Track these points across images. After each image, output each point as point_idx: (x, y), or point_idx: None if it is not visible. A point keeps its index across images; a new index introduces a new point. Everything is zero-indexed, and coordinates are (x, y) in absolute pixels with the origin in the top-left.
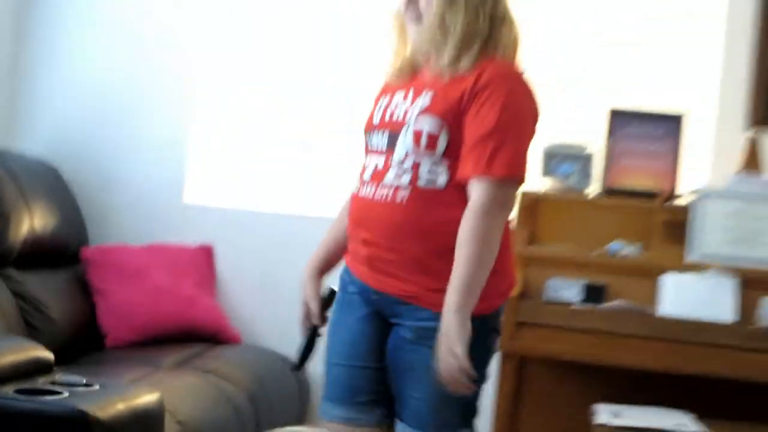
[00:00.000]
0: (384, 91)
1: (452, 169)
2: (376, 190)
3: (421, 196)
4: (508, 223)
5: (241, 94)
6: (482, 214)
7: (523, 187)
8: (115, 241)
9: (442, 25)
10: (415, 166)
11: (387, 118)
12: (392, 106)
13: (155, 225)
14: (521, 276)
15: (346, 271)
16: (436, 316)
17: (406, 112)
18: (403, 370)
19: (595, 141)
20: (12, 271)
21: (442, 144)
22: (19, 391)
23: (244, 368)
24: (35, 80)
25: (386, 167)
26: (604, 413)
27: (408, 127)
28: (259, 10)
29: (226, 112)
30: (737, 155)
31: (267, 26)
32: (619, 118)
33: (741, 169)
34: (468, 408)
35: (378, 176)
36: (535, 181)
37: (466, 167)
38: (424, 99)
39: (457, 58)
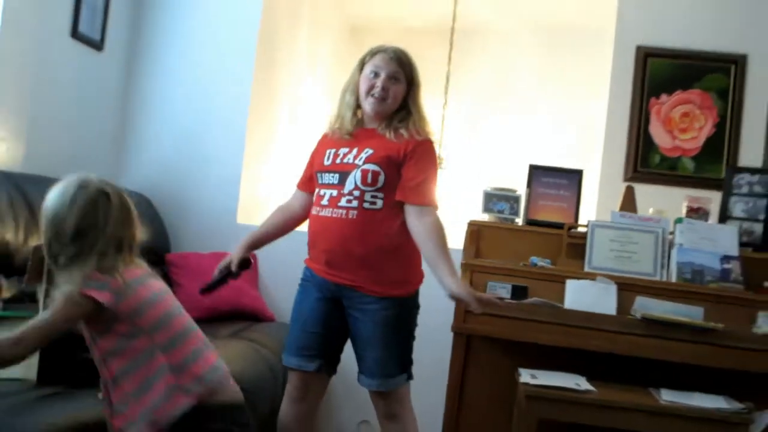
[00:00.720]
0: (329, 145)
1: (386, 197)
2: (333, 210)
3: (364, 213)
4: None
5: (278, 147)
6: (439, 225)
7: (470, 218)
8: (189, 250)
9: (404, 109)
10: (361, 195)
11: (338, 162)
12: (340, 155)
13: (217, 238)
14: (470, 279)
15: (308, 270)
16: (377, 300)
17: (355, 159)
18: (359, 339)
19: (521, 187)
20: None
21: (380, 181)
22: None
23: (276, 338)
24: (134, 134)
25: (339, 195)
26: (525, 375)
27: (357, 168)
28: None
29: (268, 158)
30: (617, 199)
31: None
32: (537, 171)
33: (620, 209)
34: (404, 360)
35: (333, 202)
36: (479, 214)
37: (412, 197)
38: (368, 152)
39: (398, 129)
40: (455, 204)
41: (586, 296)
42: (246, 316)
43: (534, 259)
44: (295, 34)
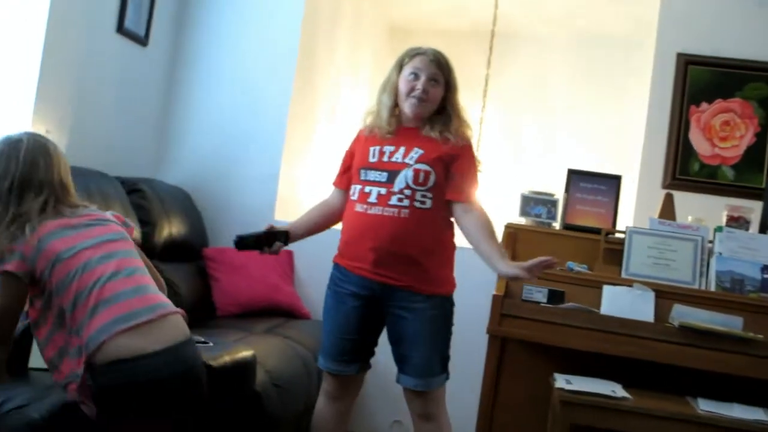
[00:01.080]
0: (372, 142)
1: (435, 198)
2: (384, 209)
3: (415, 212)
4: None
5: (317, 146)
6: (487, 216)
7: (507, 221)
8: (227, 245)
9: (443, 111)
10: (413, 194)
11: (385, 159)
12: (386, 153)
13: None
14: (506, 283)
15: (341, 271)
16: (425, 299)
17: (404, 157)
18: (406, 339)
19: (559, 191)
20: (156, 262)
21: (431, 181)
22: None
23: (311, 335)
24: (173, 131)
25: (389, 194)
26: (560, 380)
27: (409, 167)
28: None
29: (306, 156)
30: (655, 206)
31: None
32: (575, 176)
33: (659, 216)
34: (445, 359)
35: (383, 199)
36: (516, 217)
37: (461, 196)
38: (418, 152)
39: (443, 132)
40: (492, 207)
41: (623, 303)
42: (281, 313)
43: (571, 263)
44: (336, 34)
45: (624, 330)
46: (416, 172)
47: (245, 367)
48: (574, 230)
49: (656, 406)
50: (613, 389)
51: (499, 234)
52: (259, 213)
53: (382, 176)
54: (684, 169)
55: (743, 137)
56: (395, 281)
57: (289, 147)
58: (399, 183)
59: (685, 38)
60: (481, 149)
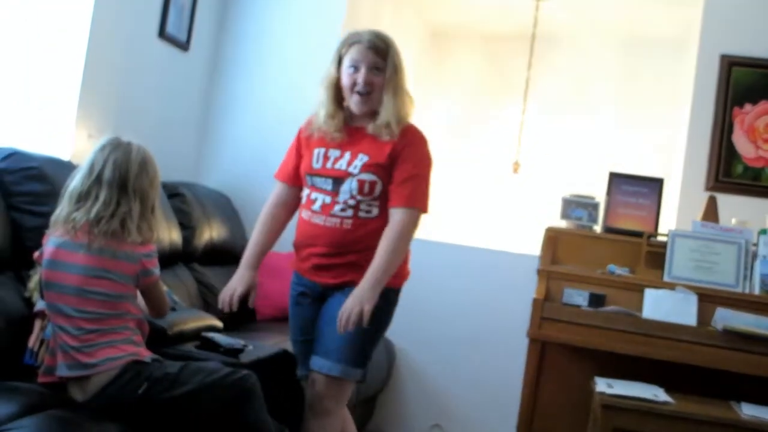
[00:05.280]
0: (316, 144)
1: (381, 205)
2: (326, 219)
3: (359, 222)
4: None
5: None
6: (402, 226)
7: (546, 224)
8: None
9: (388, 105)
10: (357, 204)
11: (328, 166)
12: (330, 158)
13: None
14: (546, 286)
15: (296, 275)
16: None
17: (348, 165)
18: (327, 315)
19: (599, 194)
20: (196, 266)
21: (377, 190)
22: (197, 347)
23: None
24: (214, 136)
25: (333, 203)
26: (602, 384)
27: (353, 177)
28: None
29: None
30: (698, 209)
31: None
32: (617, 179)
33: (702, 218)
34: (365, 355)
35: (326, 209)
36: (557, 221)
37: (393, 200)
38: (363, 159)
39: (389, 126)
40: (533, 210)
41: (665, 306)
42: None
43: (612, 267)
44: None
45: (666, 334)
46: (361, 183)
47: (284, 357)
48: (616, 233)
49: (699, 411)
50: (655, 393)
51: (540, 238)
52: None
53: (327, 184)
54: (727, 172)
55: None
56: (335, 279)
57: None
58: (343, 194)
59: (729, 40)
60: (521, 151)
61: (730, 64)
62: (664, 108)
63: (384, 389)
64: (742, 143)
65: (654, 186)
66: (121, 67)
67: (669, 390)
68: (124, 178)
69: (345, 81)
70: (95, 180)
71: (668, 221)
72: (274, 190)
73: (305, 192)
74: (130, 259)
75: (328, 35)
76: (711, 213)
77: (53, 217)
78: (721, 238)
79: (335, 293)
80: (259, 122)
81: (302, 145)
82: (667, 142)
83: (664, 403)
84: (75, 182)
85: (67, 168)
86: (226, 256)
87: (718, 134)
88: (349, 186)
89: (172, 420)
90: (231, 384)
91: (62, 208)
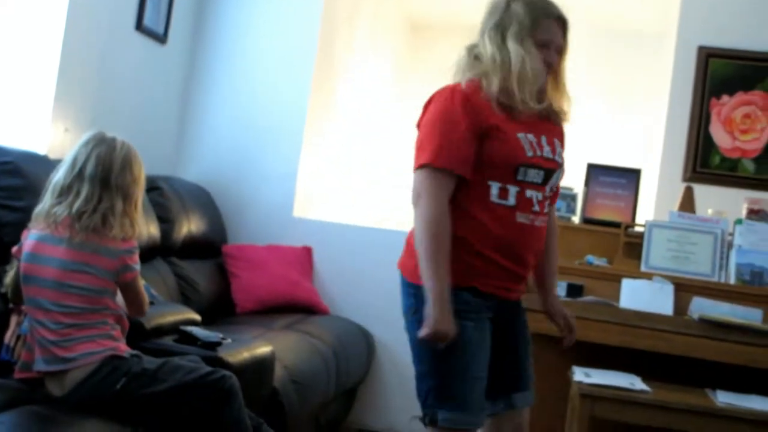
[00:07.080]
0: (518, 128)
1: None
2: (542, 220)
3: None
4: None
5: (335, 143)
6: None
7: None
8: (246, 242)
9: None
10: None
11: (539, 155)
12: (536, 146)
13: (273, 231)
14: None
15: (480, 294)
16: (520, 305)
17: (553, 154)
18: (523, 348)
19: (577, 185)
20: (175, 259)
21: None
22: (176, 340)
23: (330, 331)
24: (192, 129)
25: (543, 200)
26: (579, 374)
27: (560, 170)
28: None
29: (325, 153)
30: (675, 199)
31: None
32: (595, 170)
33: (679, 209)
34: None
35: (541, 208)
36: None
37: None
38: (560, 148)
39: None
40: None
41: (643, 296)
42: (300, 309)
43: (590, 257)
44: (355, 31)
45: (643, 323)
46: (562, 176)
47: (264, 363)
48: (594, 224)
49: (675, 399)
50: (632, 382)
51: None
52: (278, 209)
53: (539, 176)
54: (704, 162)
55: (764, 130)
56: (521, 293)
57: (307, 144)
58: (550, 188)
59: (706, 31)
60: None
61: (708, 56)
62: (642, 99)
63: (364, 381)
64: (719, 134)
65: (631, 177)
66: (97, 61)
67: (646, 378)
68: (106, 174)
69: (541, 58)
70: (77, 174)
71: (646, 212)
72: (434, 188)
73: (511, 189)
74: (110, 254)
75: (307, 27)
76: (688, 203)
77: (36, 211)
78: (698, 228)
79: (517, 309)
80: (238, 115)
81: (488, 123)
82: (645, 133)
83: (641, 391)
84: (58, 176)
85: (44, 162)
86: (205, 249)
87: (696, 125)
88: (557, 179)
89: (150, 417)
90: (210, 384)
91: (45, 202)
